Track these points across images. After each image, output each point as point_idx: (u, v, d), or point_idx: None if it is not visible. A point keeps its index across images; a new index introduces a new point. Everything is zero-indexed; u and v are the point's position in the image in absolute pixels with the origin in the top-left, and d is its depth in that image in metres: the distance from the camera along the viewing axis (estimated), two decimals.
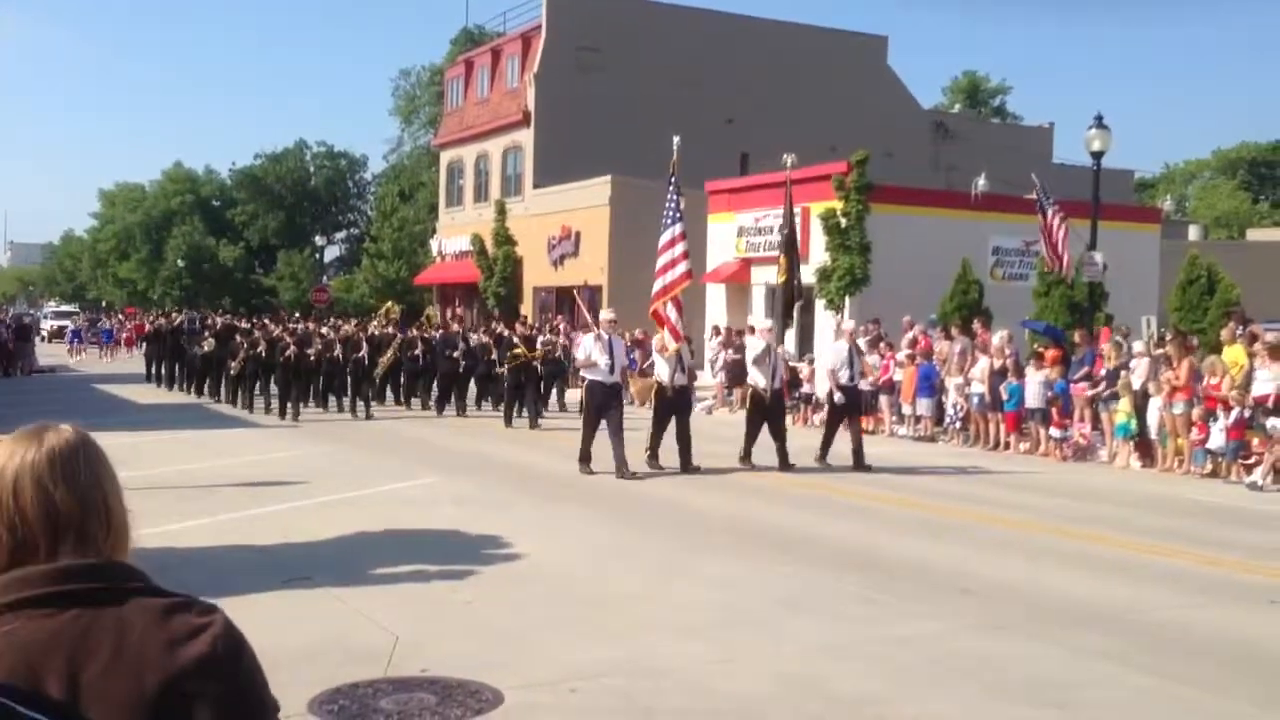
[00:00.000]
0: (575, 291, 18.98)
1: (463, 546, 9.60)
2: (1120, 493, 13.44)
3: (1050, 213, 21.62)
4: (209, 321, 28.65)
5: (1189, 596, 8.27)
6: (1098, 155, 21.23)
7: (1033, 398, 17.35)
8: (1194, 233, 43.29)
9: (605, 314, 15.36)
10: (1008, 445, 17.82)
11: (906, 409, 20.00)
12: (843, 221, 27.35)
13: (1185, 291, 23.35)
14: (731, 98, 41.98)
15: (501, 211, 42.26)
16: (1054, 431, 17.16)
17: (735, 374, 20.84)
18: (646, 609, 7.65)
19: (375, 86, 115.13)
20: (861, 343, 21.64)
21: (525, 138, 43.00)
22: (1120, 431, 16.28)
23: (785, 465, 14.80)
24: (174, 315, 32.12)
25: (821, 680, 6.13)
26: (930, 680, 6.18)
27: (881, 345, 20.88)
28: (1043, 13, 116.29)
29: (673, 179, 16.29)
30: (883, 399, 20.46)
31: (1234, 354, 15.60)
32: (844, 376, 15.54)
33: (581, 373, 15.50)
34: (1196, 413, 15.26)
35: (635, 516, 11.42)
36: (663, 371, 14.87)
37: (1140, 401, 16.09)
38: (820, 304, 28.33)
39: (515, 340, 20.74)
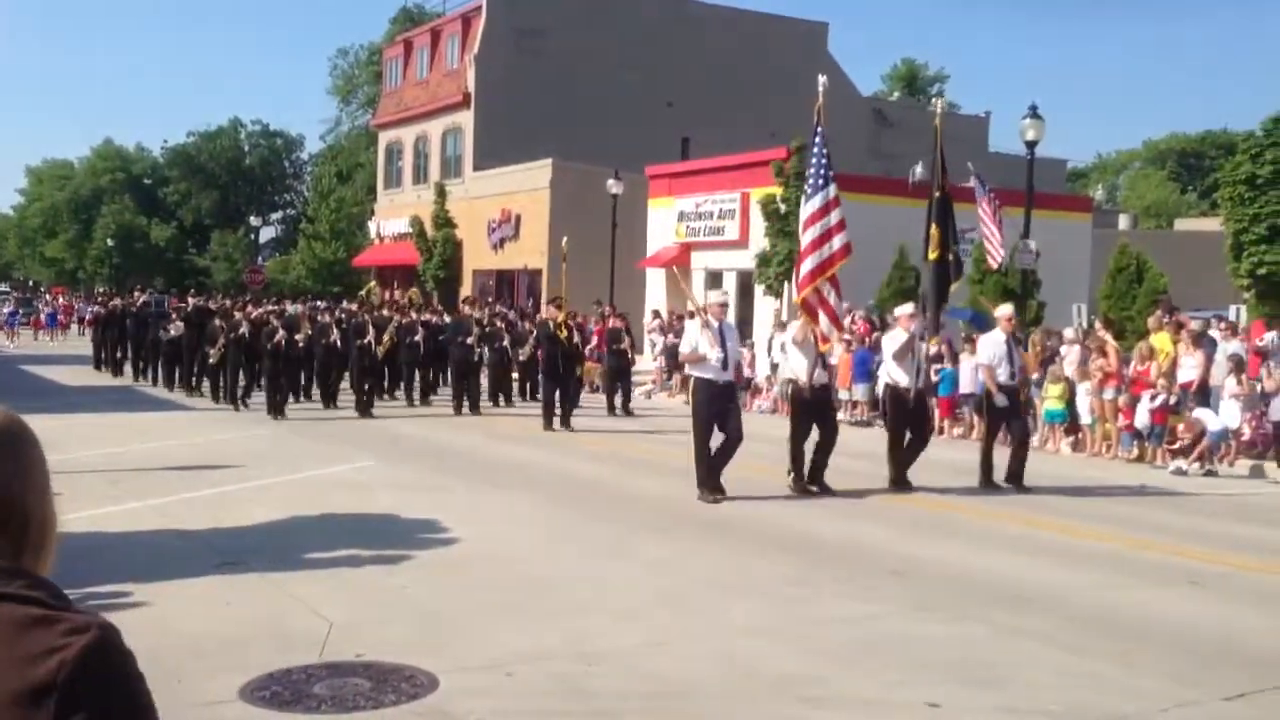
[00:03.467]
0: (675, 269, 15.70)
1: (399, 531, 9.55)
2: (1051, 477, 13.69)
3: (987, 203, 21.90)
4: (178, 303, 25.55)
5: (1115, 578, 8.46)
6: (1032, 145, 21.57)
7: (966, 383, 17.61)
8: (1124, 222, 44.11)
9: (715, 295, 12.60)
10: (942, 430, 18.06)
11: (844, 394, 20.19)
12: (782, 207, 27.51)
13: (1115, 280, 23.80)
14: (672, 82, 41.98)
15: (441, 194, 41.96)
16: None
17: (675, 359, 20.79)
18: (583, 593, 7.68)
19: (312, 65, 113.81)
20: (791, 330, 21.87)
21: (465, 119, 42.68)
22: (1052, 417, 16.58)
23: (903, 480, 12.44)
24: (134, 295, 28.47)
25: (756, 661, 6.20)
26: (861, 660, 6.27)
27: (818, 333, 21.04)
28: (981, 3, 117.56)
29: (818, 130, 12.80)
30: None
31: (1161, 341, 15.97)
32: (1003, 374, 12.91)
33: (687, 369, 12.82)
34: (1124, 399, 15.59)
35: (573, 501, 11.43)
36: (799, 367, 12.22)
37: (1071, 388, 16.41)
38: (759, 290, 28.51)
39: (553, 326, 17.91)
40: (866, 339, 20.15)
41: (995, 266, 21.79)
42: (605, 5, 42.52)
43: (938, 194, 13.39)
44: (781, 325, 23.22)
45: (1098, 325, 17.64)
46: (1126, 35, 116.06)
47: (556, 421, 17.38)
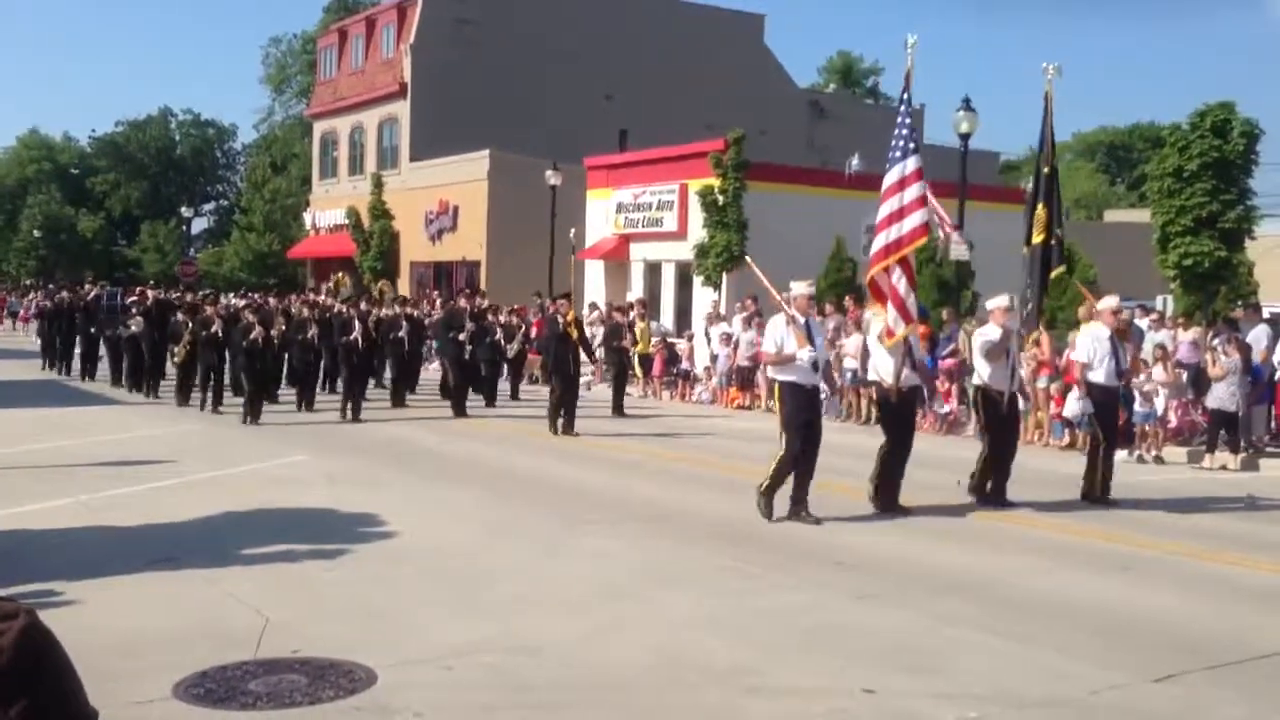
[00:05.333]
0: (749, 259, 14.59)
1: (335, 525, 9.45)
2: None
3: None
4: (136, 297, 22.84)
5: (1050, 564, 8.61)
6: (965, 137, 21.91)
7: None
8: None
9: (799, 287, 10.43)
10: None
11: None
12: (720, 199, 27.60)
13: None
14: (610, 73, 41.92)
15: (378, 184, 41.55)
16: (939, 406, 17.59)
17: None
18: (522, 585, 7.65)
19: (244, 53, 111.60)
20: (737, 321, 22.08)
21: (401, 109, 42.29)
22: None
23: (1000, 498, 11.00)
24: (84, 287, 25.97)
25: (695, 652, 6.22)
26: (801, 649, 6.32)
27: (757, 322, 21.17)
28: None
29: (905, 96, 11.26)
30: (758, 375, 20.77)
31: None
32: (1101, 373, 11.34)
33: (769, 371, 11.26)
34: (1056, 387, 15.86)
35: (511, 494, 11.39)
36: (884, 367, 10.60)
37: None
38: (698, 281, 28.59)
39: (562, 324, 16.57)
40: None
41: (943, 248, 22.10)
42: None
43: (1046, 170, 11.81)
44: (718, 316, 23.34)
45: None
46: (1058, 31, 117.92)
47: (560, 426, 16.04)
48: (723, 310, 25.00)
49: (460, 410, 17.94)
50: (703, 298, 28.11)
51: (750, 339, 20.90)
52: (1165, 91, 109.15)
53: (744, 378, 21.10)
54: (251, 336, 16.65)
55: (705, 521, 10.02)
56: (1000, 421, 11.05)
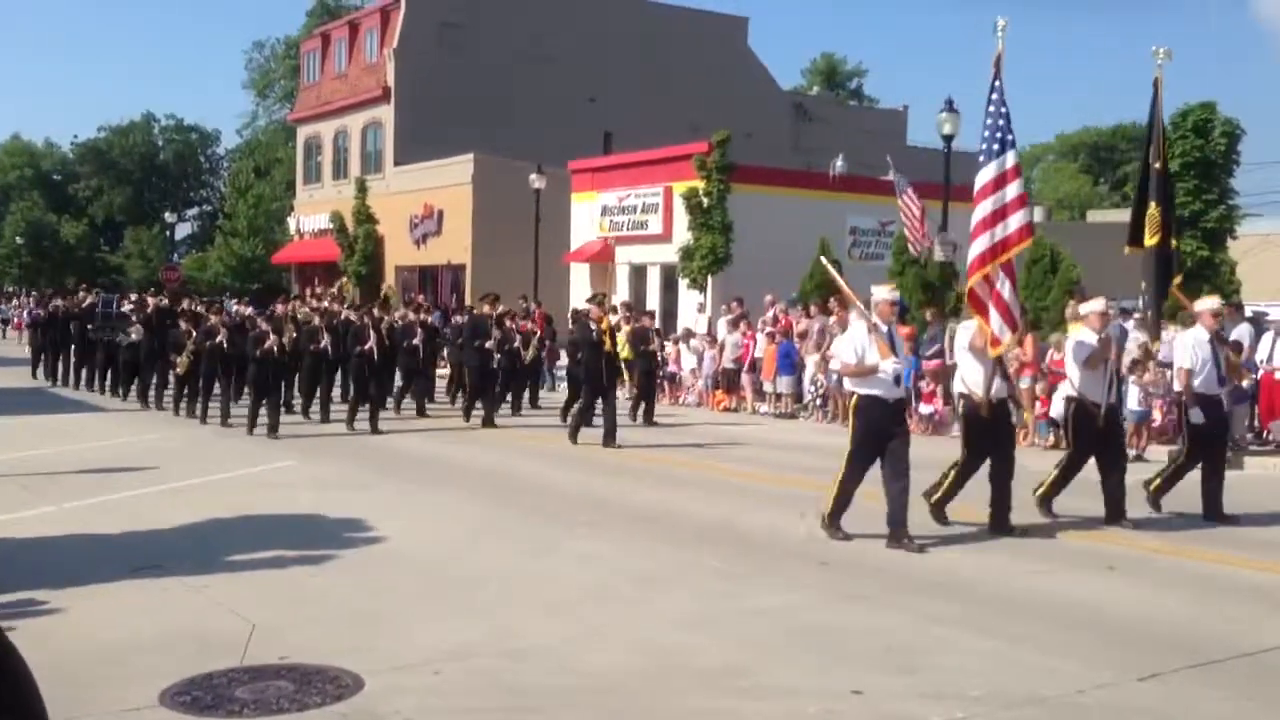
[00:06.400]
0: (825, 261, 14.08)
1: (322, 530, 9.42)
2: None
3: (908, 194, 22.36)
4: (134, 304, 22.07)
5: (1034, 564, 8.63)
6: (948, 138, 21.97)
7: None
8: (1038, 214, 44.93)
9: (882, 291, 9.57)
10: None
11: (768, 387, 20.35)
12: (704, 201, 27.64)
13: (1030, 270, 24.25)
14: (594, 76, 41.96)
15: (362, 189, 41.49)
16: (923, 408, 17.63)
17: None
18: (511, 588, 7.64)
19: (228, 58, 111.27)
20: (722, 324, 22.10)
21: (385, 114, 42.24)
22: None
23: (1118, 514, 10.12)
24: (80, 295, 25.27)
25: (683, 654, 6.22)
26: (786, 651, 6.33)
27: (743, 324, 21.23)
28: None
29: (996, 84, 10.20)
30: (745, 377, 20.82)
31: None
32: (1206, 383, 10.43)
33: (847, 384, 10.21)
34: (1041, 387, 15.92)
35: (498, 498, 11.37)
36: (973, 379, 9.74)
37: None
38: (683, 283, 28.63)
39: (596, 331, 15.71)
40: (790, 331, 20.32)
41: (923, 251, 22.20)
42: None
43: (1157, 165, 10.84)
44: (689, 332, 23.30)
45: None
46: (1039, 31, 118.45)
47: (579, 434, 15.37)
48: (709, 313, 25.05)
49: (490, 420, 17.34)
50: (688, 301, 28.16)
51: (736, 341, 20.96)
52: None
53: (730, 380, 21.13)
54: (266, 346, 15.63)
55: (693, 524, 10.03)
56: (1095, 437, 10.07)
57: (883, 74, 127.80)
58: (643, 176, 30.84)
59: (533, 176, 31.67)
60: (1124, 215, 37.29)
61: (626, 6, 44.41)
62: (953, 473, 9.91)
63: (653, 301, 30.14)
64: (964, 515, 10.10)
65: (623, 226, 31.19)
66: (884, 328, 9.24)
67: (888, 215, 28.92)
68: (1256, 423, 15.97)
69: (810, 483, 12.39)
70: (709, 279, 27.73)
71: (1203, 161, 27.06)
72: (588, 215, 32.33)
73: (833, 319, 20.16)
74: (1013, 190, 9.92)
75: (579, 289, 31.70)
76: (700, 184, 27.77)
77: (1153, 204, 10.78)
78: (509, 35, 41.30)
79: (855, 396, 9.38)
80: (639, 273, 30.93)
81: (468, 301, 31.22)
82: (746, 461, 14.19)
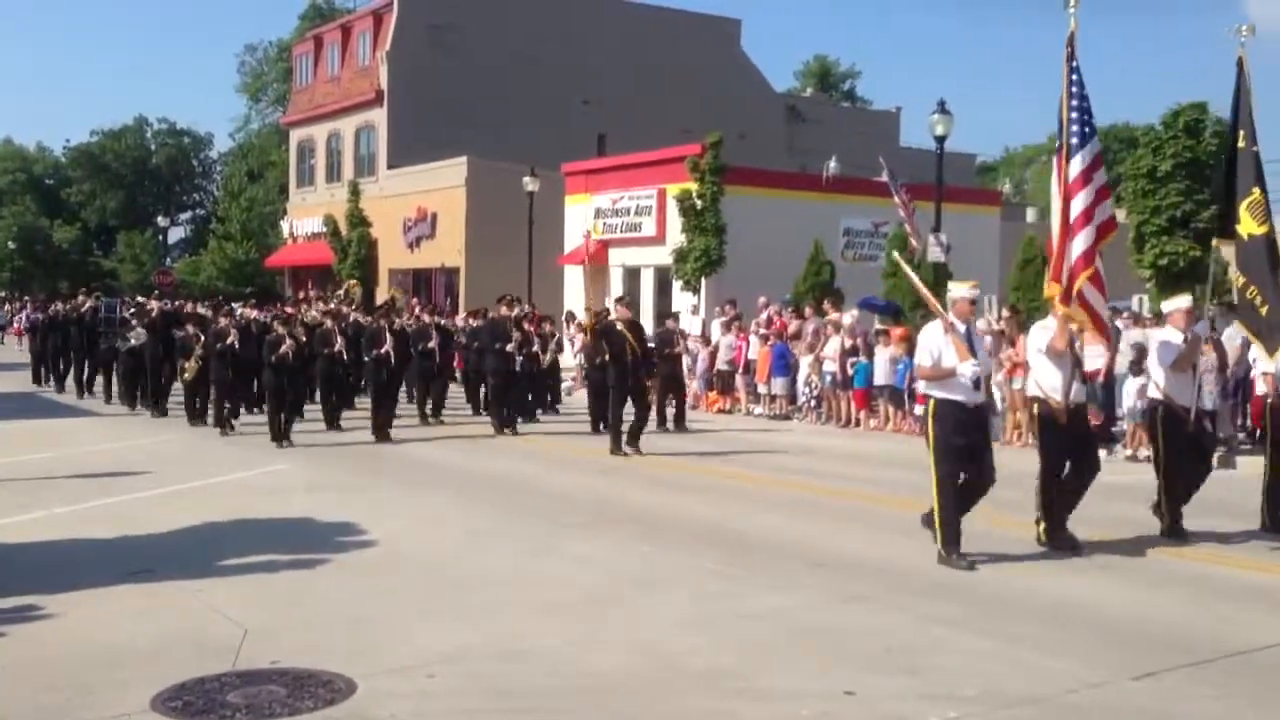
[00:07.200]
0: (899, 258, 13.60)
1: (315, 534, 9.40)
2: None
3: (901, 193, 22.49)
4: (139, 308, 21.33)
5: (1030, 563, 8.63)
6: (941, 139, 21.98)
7: (881, 375, 17.85)
8: (1031, 215, 45.10)
9: (960, 289, 8.99)
10: (859, 422, 18.30)
11: (762, 388, 20.36)
12: (698, 203, 27.64)
13: (1023, 271, 24.32)
14: (588, 79, 41.96)
15: (355, 192, 41.45)
16: (919, 409, 17.60)
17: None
18: (505, 591, 7.63)
19: (220, 62, 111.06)
20: (716, 325, 22.11)
21: (378, 117, 42.20)
22: None
23: (1172, 529, 9.61)
24: (80, 299, 24.61)
25: (680, 656, 6.21)
26: (785, 652, 6.32)
27: (736, 326, 21.24)
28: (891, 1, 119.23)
29: (1074, 65, 9.43)
30: (739, 379, 20.83)
31: None
32: (1178, 384, 9.78)
33: (923, 387, 9.30)
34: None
35: (493, 500, 11.36)
36: (1049, 383, 9.08)
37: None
38: (677, 286, 28.62)
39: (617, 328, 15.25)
40: (784, 332, 20.33)
41: (920, 250, 22.25)
42: (518, 1, 42.34)
43: (1256, 149, 10.13)
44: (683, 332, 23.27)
45: (1005, 314, 18.01)
46: (1031, 32, 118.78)
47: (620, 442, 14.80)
48: (703, 315, 25.04)
49: (511, 424, 16.86)
50: (682, 303, 28.15)
51: (730, 343, 20.98)
52: (1139, 92, 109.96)
53: (724, 382, 21.13)
54: (281, 351, 15.07)
55: (691, 525, 10.02)
56: (1185, 442, 9.55)
57: (876, 76, 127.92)
58: (636, 179, 30.81)
59: (526, 179, 31.64)
60: (1117, 216, 37.48)
61: (619, 9, 44.42)
62: (1037, 486, 9.28)
63: (646, 304, 30.13)
64: (969, 517, 10.09)
65: (616, 229, 31.17)
66: (961, 328, 8.65)
67: (881, 216, 28.97)
68: (1248, 422, 16.00)
69: (806, 484, 12.40)
70: (703, 281, 27.72)
71: (1194, 162, 27.14)
72: (581, 217, 32.32)
73: (827, 319, 20.20)
74: (1097, 181, 9.27)
75: (573, 292, 31.68)
76: (694, 186, 27.77)
77: (1256, 190, 10.05)
78: (502, 38, 41.29)
79: (931, 402, 8.68)
80: (633, 275, 30.92)
81: (460, 305, 31.22)
82: (742, 463, 14.19)
